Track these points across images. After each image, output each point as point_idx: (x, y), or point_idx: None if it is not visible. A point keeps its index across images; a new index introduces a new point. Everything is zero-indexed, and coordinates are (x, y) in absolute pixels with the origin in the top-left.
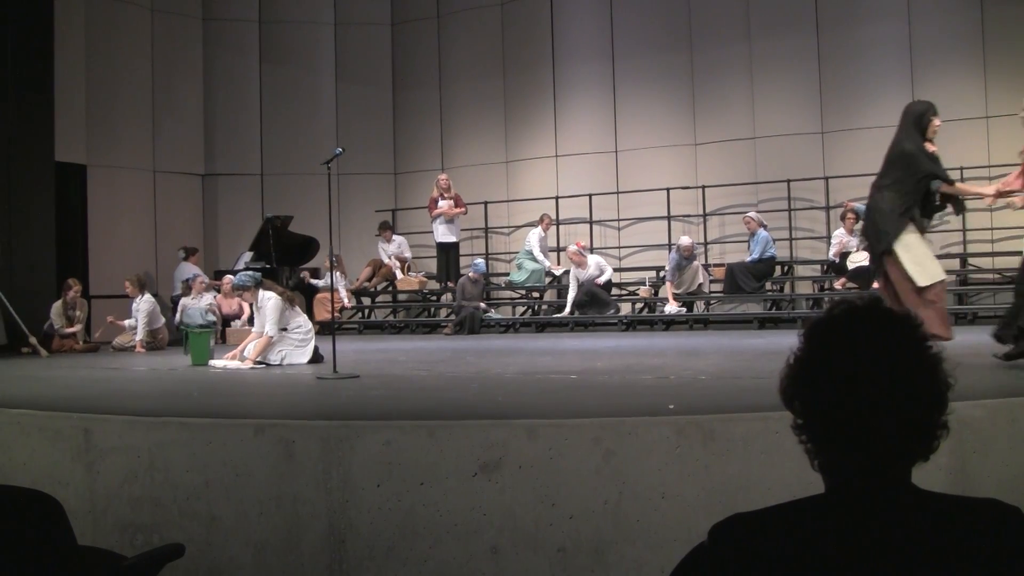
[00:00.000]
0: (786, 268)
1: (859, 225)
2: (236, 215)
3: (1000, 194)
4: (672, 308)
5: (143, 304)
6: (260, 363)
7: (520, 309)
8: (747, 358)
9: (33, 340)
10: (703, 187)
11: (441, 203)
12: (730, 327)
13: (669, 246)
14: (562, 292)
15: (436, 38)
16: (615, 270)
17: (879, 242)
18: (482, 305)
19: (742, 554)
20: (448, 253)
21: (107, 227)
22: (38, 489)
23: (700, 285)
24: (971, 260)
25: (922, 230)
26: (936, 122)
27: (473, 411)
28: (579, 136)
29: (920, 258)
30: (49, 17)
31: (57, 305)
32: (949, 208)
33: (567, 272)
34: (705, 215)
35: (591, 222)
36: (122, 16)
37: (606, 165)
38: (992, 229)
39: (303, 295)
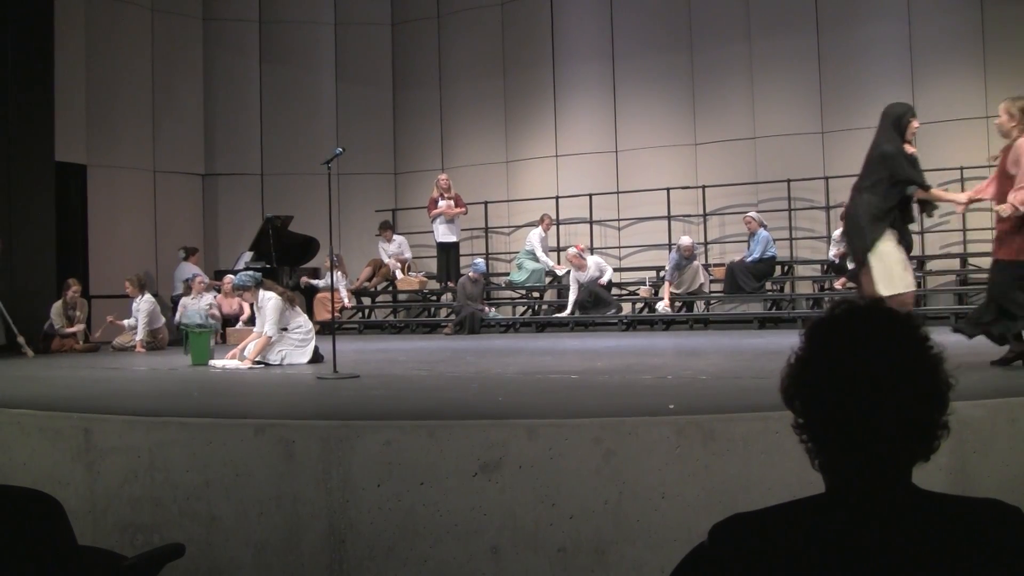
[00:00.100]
0: (786, 268)
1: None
2: (236, 215)
3: (972, 201)
4: (662, 307)
5: (143, 304)
6: (260, 363)
7: (520, 309)
8: (747, 358)
9: (21, 339)
10: (703, 187)
11: (441, 203)
12: (730, 327)
13: (669, 246)
14: (562, 292)
15: (436, 38)
16: (615, 270)
17: (856, 251)
18: (485, 309)
19: (742, 554)
20: (448, 253)
21: (107, 227)
22: (38, 489)
23: (701, 285)
24: (971, 260)
25: (903, 240)
26: (915, 124)
27: (473, 411)
28: (579, 136)
29: (890, 267)
30: (49, 17)
31: (57, 305)
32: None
33: (568, 273)
34: (705, 215)
35: (591, 222)
36: (122, 16)
37: (606, 165)
38: (992, 229)
39: (303, 295)
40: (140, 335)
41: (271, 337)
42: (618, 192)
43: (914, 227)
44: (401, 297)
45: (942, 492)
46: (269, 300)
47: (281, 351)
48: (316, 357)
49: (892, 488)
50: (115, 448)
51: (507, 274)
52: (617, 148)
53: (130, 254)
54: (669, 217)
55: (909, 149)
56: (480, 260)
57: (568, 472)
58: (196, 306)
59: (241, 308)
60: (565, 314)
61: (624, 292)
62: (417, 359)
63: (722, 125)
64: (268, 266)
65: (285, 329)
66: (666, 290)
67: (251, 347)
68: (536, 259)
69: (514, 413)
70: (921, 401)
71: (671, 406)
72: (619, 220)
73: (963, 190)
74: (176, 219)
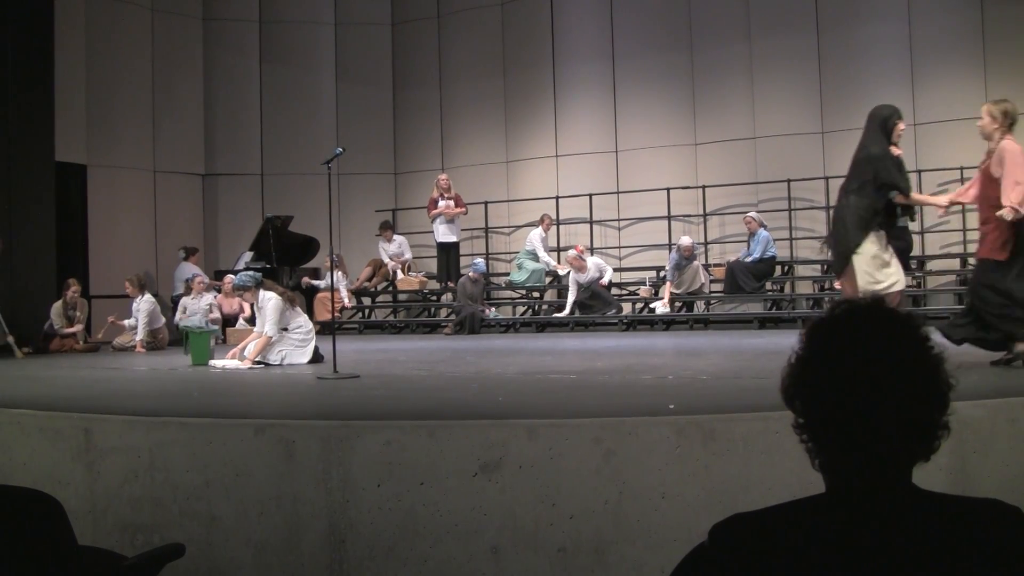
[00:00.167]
0: (786, 268)
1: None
2: (236, 215)
3: (953, 204)
4: (661, 307)
5: (143, 304)
6: (260, 363)
7: (520, 309)
8: (747, 358)
9: (10, 338)
10: (703, 187)
11: (441, 203)
12: (730, 327)
13: (669, 246)
14: (562, 292)
15: (436, 38)
16: (615, 270)
17: (838, 253)
18: (486, 309)
19: (742, 554)
20: (448, 253)
21: (107, 227)
22: (38, 489)
23: (701, 285)
24: (971, 260)
25: (903, 239)
26: (901, 126)
27: (473, 411)
28: (579, 136)
29: (871, 267)
30: (49, 17)
31: (57, 305)
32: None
33: (568, 273)
34: (705, 215)
35: (591, 222)
36: (122, 16)
37: (606, 165)
38: None
39: (303, 295)
40: (140, 335)
41: (271, 337)
42: (618, 192)
43: (914, 227)
44: (401, 297)
45: (942, 492)
46: (269, 300)
47: (281, 351)
48: (316, 357)
49: (892, 488)
50: (115, 448)
51: (507, 274)
52: (617, 148)
53: (130, 254)
54: (669, 217)
55: (895, 151)
56: (480, 260)
57: (568, 472)
58: (196, 306)
59: (241, 308)
60: (563, 314)
61: (624, 292)
62: (417, 359)
63: (722, 125)
64: (268, 266)
65: (285, 329)
66: (667, 290)
67: (251, 347)
68: (536, 259)
69: (514, 413)
70: (921, 401)
71: (671, 406)
72: (619, 220)
73: None
74: (176, 219)
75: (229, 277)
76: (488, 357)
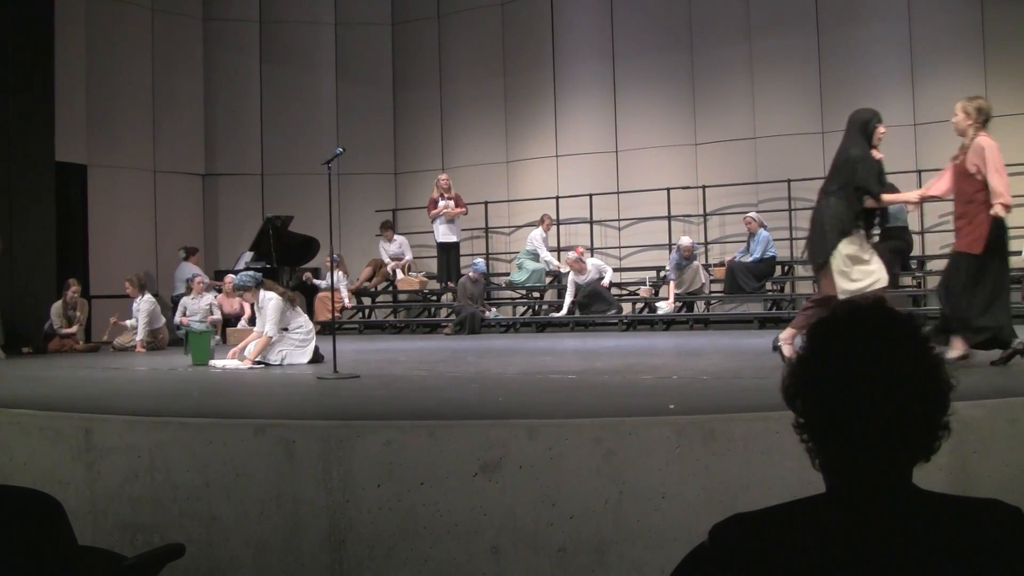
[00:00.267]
0: (786, 268)
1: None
2: (236, 215)
3: (924, 199)
4: (664, 307)
5: (143, 304)
6: (260, 363)
7: (520, 309)
8: (747, 358)
9: None
10: (703, 187)
11: (441, 203)
12: (730, 327)
13: (669, 246)
14: (562, 292)
15: (436, 38)
16: (615, 270)
17: (814, 254)
18: (486, 309)
19: (742, 554)
20: (448, 253)
21: (107, 227)
22: (38, 489)
23: (701, 285)
24: None
25: (903, 238)
26: (880, 129)
27: (473, 411)
28: (579, 136)
29: (847, 267)
30: (49, 17)
31: (57, 305)
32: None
33: (568, 274)
34: (705, 215)
35: (591, 222)
36: (122, 16)
37: (606, 165)
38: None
39: (304, 295)
40: (140, 335)
41: (272, 337)
42: (618, 192)
43: (914, 227)
44: (401, 297)
45: (942, 492)
46: (270, 300)
47: (281, 351)
48: (316, 357)
49: (892, 488)
50: (115, 448)
51: (507, 274)
52: (617, 148)
53: (130, 254)
54: (669, 217)
55: (877, 155)
56: (480, 260)
57: (568, 472)
58: (196, 306)
59: (242, 308)
60: (561, 314)
61: (624, 292)
62: (417, 359)
63: (722, 125)
64: (268, 266)
65: (286, 329)
66: (670, 290)
67: (251, 347)
68: (536, 259)
69: (514, 413)
70: (921, 401)
71: (671, 406)
72: (619, 220)
73: None
74: (176, 219)
75: (229, 277)
76: (488, 357)
